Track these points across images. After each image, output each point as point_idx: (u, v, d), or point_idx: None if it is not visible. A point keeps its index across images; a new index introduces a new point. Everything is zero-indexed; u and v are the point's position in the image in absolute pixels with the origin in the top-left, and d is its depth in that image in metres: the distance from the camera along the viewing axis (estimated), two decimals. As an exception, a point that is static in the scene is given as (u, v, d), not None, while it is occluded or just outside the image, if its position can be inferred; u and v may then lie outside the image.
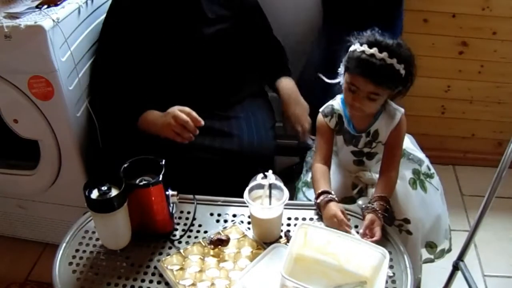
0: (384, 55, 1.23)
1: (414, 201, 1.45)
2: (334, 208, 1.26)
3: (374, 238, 1.21)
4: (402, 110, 1.37)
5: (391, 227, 1.37)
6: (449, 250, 1.58)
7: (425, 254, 1.54)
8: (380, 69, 1.23)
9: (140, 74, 1.51)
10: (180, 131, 1.40)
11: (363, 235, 1.23)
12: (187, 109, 1.41)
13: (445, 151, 2.43)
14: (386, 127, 1.37)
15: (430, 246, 1.53)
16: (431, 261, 1.56)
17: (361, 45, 1.26)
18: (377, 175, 1.42)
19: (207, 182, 1.43)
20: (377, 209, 1.27)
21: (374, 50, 1.23)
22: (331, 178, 1.41)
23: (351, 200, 1.44)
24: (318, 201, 1.31)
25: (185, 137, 1.41)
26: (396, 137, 1.37)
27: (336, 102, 1.42)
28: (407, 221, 1.40)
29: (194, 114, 1.41)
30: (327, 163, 1.41)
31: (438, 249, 1.54)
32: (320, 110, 1.43)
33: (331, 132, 1.42)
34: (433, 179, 1.55)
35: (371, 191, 1.42)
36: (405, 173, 1.47)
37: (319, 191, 1.32)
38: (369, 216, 1.26)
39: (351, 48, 1.29)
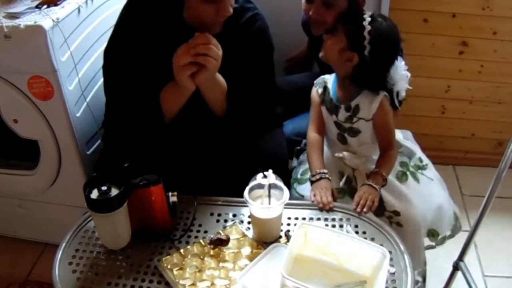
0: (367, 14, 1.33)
1: (406, 194, 1.46)
2: (325, 185, 1.37)
3: (367, 207, 1.30)
4: (384, 92, 1.40)
5: (382, 219, 1.38)
6: (452, 235, 1.57)
7: (426, 241, 1.54)
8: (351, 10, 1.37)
9: (147, 92, 1.45)
10: (191, 56, 1.26)
11: (355, 204, 1.32)
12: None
13: (445, 151, 2.43)
14: (368, 104, 1.39)
15: (432, 234, 1.54)
16: (432, 247, 1.56)
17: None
18: (362, 159, 1.46)
19: (207, 182, 1.43)
20: (372, 183, 1.35)
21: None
22: None
23: (340, 191, 1.46)
24: (313, 179, 1.40)
25: (201, 52, 1.25)
26: (381, 117, 1.40)
27: (329, 75, 1.49)
28: (396, 213, 1.43)
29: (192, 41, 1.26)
30: (321, 132, 1.50)
31: (440, 236, 1.55)
32: (315, 81, 1.52)
33: (320, 102, 1.49)
34: (426, 170, 1.55)
35: (360, 182, 1.45)
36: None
37: (314, 172, 1.41)
38: (363, 187, 1.35)
39: None
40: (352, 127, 1.44)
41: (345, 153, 1.47)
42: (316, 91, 1.50)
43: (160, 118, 1.40)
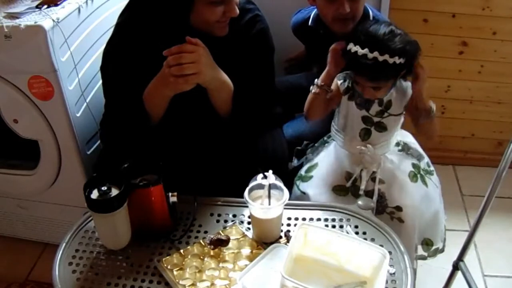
0: (375, 54, 1.27)
1: (412, 192, 1.46)
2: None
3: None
4: (410, 84, 1.42)
5: (383, 217, 1.38)
6: (442, 250, 1.59)
7: (419, 250, 1.55)
8: (373, 67, 1.29)
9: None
10: (178, 70, 1.27)
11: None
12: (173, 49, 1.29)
13: (445, 151, 2.43)
14: (398, 100, 1.41)
15: (427, 243, 1.55)
16: (424, 258, 1.58)
17: (354, 44, 1.30)
18: (379, 157, 1.45)
19: (208, 182, 1.42)
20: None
21: (365, 51, 1.28)
22: (328, 160, 1.52)
23: (342, 188, 1.46)
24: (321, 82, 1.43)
25: (187, 72, 1.27)
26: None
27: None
28: (399, 208, 1.43)
29: (183, 47, 1.27)
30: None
31: (433, 247, 1.56)
32: (337, 74, 1.48)
33: (338, 93, 1.46)
34: (433, 176, 1.56)
35: (364, 182, 1.44)
36: (405, 165, 1.49)
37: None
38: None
39: (348, 47, 1.33)
40: (381, 121, 1.43)
41: (369, 145, 1.45)
42: (339, 83, 1.45)
43: (146, 120, 1.39)
